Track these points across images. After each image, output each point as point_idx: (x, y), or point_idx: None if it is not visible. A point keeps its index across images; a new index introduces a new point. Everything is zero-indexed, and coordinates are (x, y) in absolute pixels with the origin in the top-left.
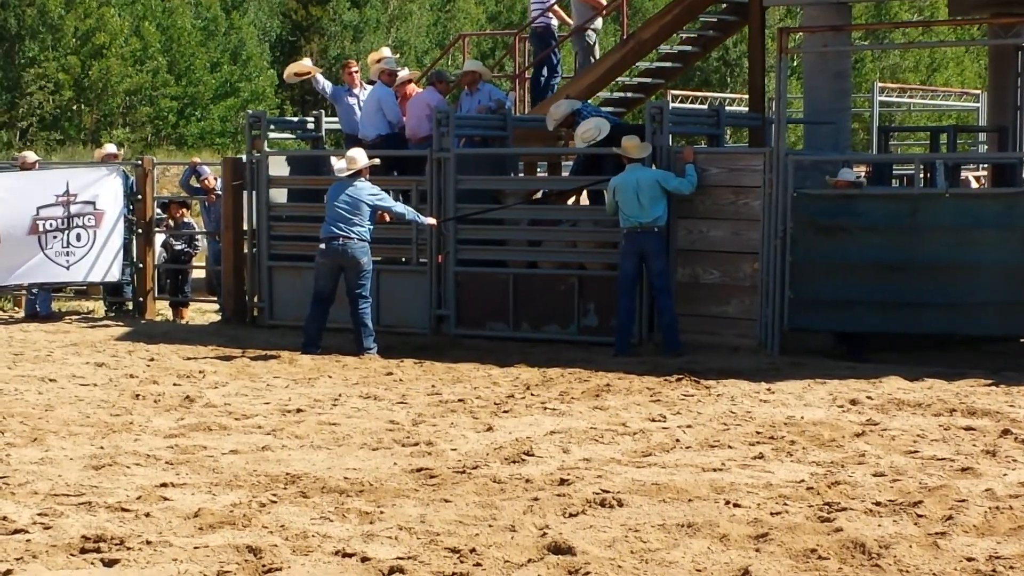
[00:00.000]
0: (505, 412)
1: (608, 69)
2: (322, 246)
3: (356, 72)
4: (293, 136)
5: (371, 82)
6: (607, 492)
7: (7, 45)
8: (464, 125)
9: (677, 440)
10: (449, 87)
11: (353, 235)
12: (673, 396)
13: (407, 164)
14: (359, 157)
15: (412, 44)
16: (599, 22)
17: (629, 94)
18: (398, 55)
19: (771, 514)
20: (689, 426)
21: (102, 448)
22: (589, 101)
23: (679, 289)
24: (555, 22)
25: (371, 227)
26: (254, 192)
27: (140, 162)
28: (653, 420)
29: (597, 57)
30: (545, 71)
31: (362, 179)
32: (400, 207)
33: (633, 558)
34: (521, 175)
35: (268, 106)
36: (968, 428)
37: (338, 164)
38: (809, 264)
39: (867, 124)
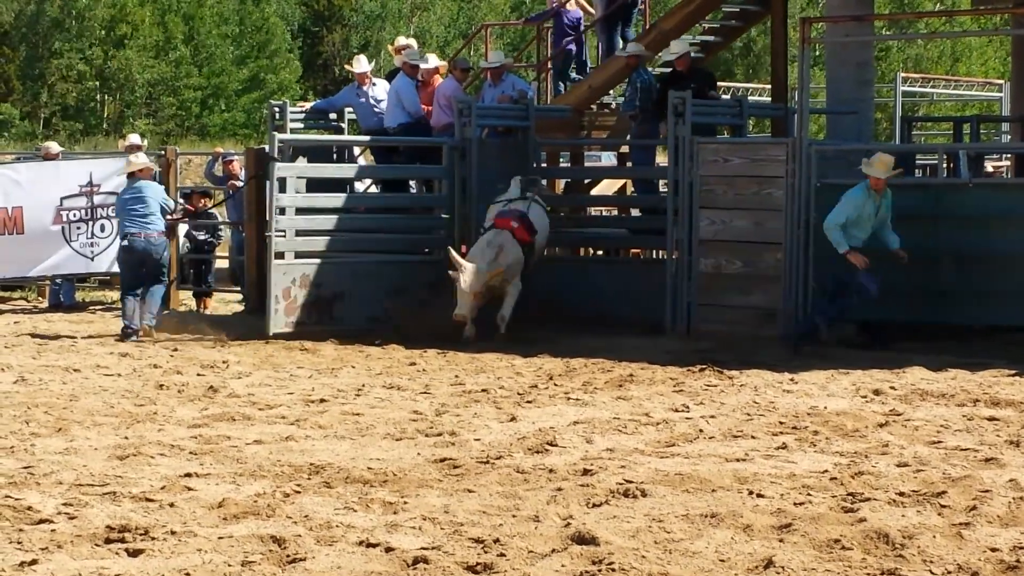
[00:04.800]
0: (528, 402)
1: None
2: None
3: (366, 73)
4: (311, 126)
5: (394, 72)
6: (630, 482)
7: (34, 37)
8: (486, 115)
9: (700, 430)
10: (467, 74)
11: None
12: (696, 386)
13: (429, 153)
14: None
15: (434, 34)
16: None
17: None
18: (416, 44)
19: (795, 504)
20: (712, 416)
21: (126, 438)
22: (611, 92)
23: (701, 279)
24: (580, 13)
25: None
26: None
27: (163, 152)
28: (676, 410)
29: (620, 47)
30: (574, 63)
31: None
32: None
33: (657, 548)
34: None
35: (292, 96)
36: (992, 418)
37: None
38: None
39: (890, 114)
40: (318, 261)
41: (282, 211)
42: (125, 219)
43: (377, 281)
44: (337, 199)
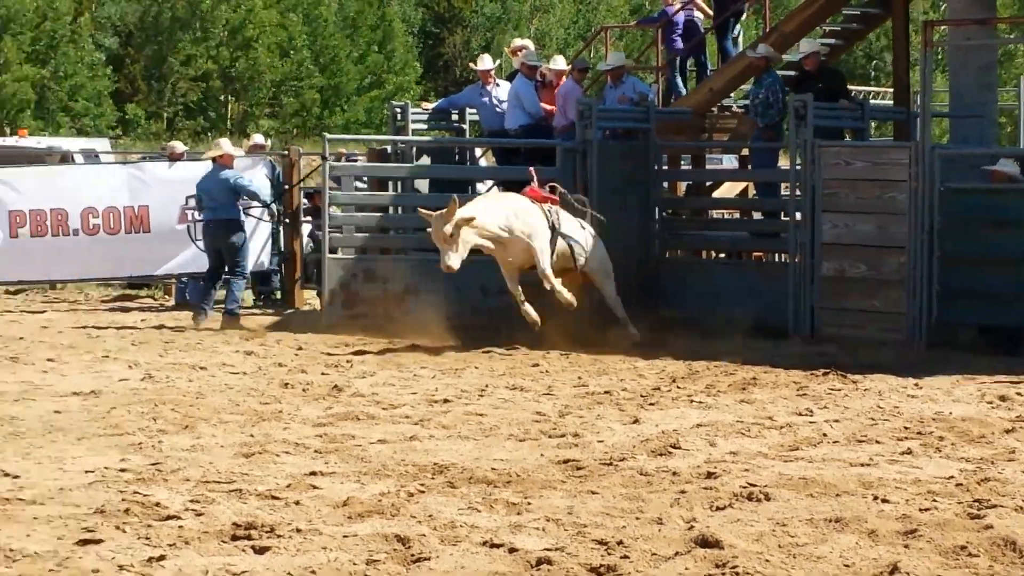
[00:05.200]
0: (651, 404)
1: (751, 62)
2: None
3: (489, 71)
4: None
5: (513, 74)
6: (754, 486)
7: (158, 37)
8: (607, 117)
9: (824, 434)
10: (584, 75)
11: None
12: (820, 390)
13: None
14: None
15: (553, 36)
16: (743, 15)
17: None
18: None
19: (920, 510)
20: (836, 420)
21: (252, 436)
22: (732, 95)
23: (824, 283)
24: (699, 16)
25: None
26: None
27: (286, 152)
28: (800, 414)
29: (740, 50)
30: (693, 65)
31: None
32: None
33: (780, 552)
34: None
35: (412, 97)
36: None
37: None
38: (957, 258)
39: (1015, 118)
40: (380, 257)
41: (335, 208)
42: (204, 204)
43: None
44: (388, 197)
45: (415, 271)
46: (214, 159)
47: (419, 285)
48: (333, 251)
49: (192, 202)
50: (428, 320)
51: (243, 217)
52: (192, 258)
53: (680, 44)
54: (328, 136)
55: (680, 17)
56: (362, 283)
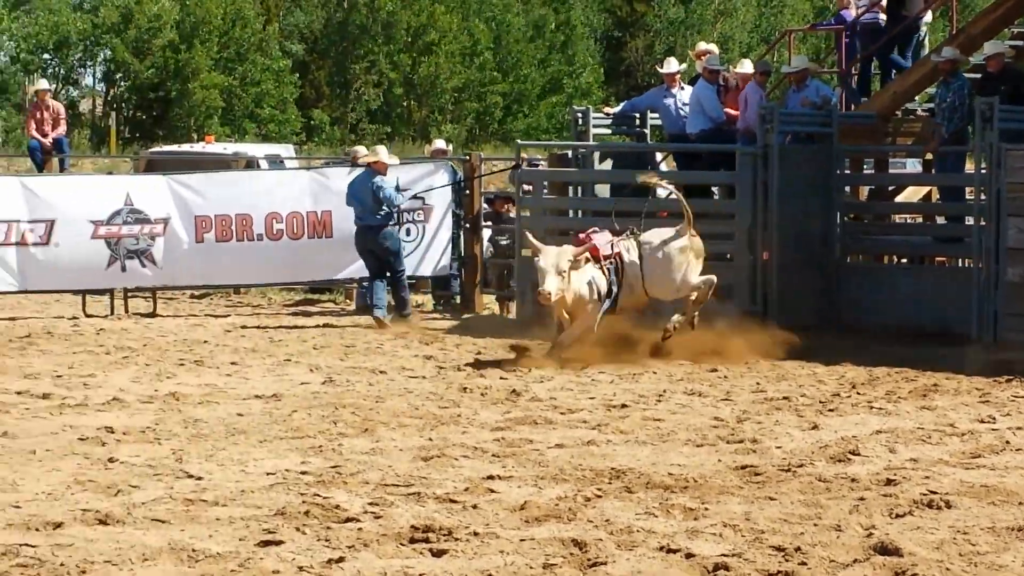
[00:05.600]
0: (831, 411)
1: (937, 66)
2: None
3: (677, 74)
4: (615, 131)
5: (695, 79)
6: (935, 493)
7: (342, 44)
8: (789, 121)
9: (1007, 442)
10: (766, 78)
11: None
12: (1003, 397)
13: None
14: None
15: (736, 40)
16: (928, 17)
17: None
18: (716, 49)
19: None
20: (1020, 428)
21: (431, 440)
22: (916, 98)
23: (1009, 288)
24: (883, 18)
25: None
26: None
27: (468, 157)
28: (982, 421)
29: (926, 53)
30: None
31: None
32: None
33: (962, 561)
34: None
35: (593, 101)
36: None
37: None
38: None
39: None
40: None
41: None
42: (354, 208)
43: None
44: (577, 202)
45: None
46: (368, 164)
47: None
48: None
49: None
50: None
51: (392, 221)
52: None
53: (856, 47)
54: (520, 142)
55: (859, 17)
56: None
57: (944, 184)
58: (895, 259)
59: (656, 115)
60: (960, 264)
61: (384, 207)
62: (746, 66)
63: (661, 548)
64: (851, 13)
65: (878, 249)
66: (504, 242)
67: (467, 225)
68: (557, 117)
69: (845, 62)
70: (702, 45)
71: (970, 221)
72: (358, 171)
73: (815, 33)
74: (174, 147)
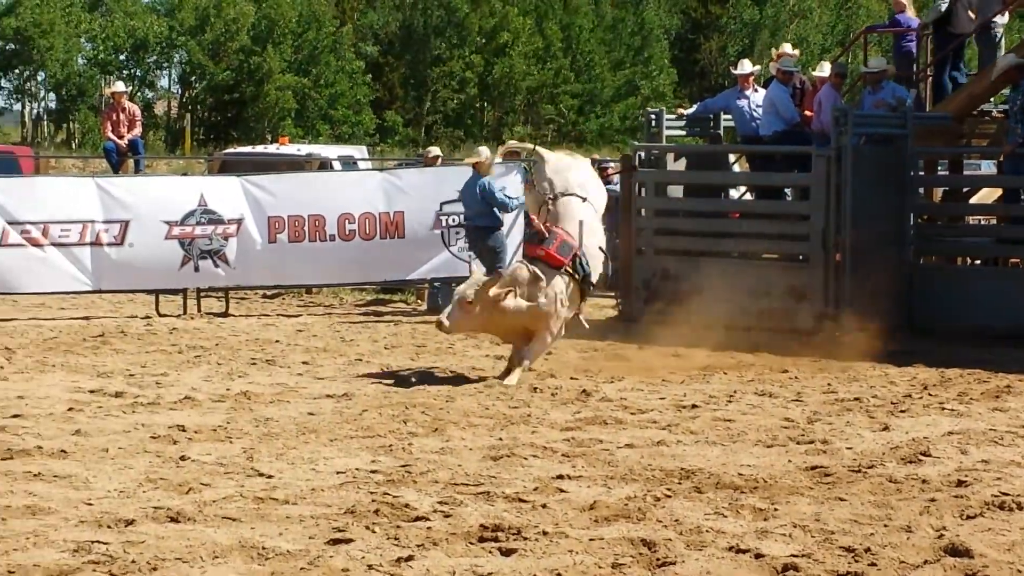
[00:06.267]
0: (902, 412)
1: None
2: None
3: (751, 75)
4: (688, 133)
5: (770, 80)
6: (1006, 495)
7: (416, 45)
8: (863, 123)
9: None
10: (842, 80)
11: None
12: None
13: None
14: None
15: (812, 41)
16: (1005, 17)
17: None
18: (798, 52)
19: None
20: None
21: (500, 439)
22: (992, 99)
23: None
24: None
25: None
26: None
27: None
28: None
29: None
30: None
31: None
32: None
33: None
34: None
35: (667, 103)
36: None
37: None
38: None
39: None
40: (678, 258)
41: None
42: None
43: (736, 281)
44: (692, 202)
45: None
46: (473, 165)
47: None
48: (639, 253)
49: (445, 208)
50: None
51: (498, 222)
52: (445, 263)
53: (913, 49)
54: (635, 144)
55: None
56: (660, 281)
57: (1016, 186)
58: (969, 261)
59: (729, 117)
60: None
61: (492, 207)
62: (824, 69)
63: (730, 548)
64: (907, 16)
65: (952, 251)
66: None
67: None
68: (631, 119)
69: (909, 66)
70: (786, 47)
71: None
72: (427, 170)
73: (890, 35)
74: (248, 148)
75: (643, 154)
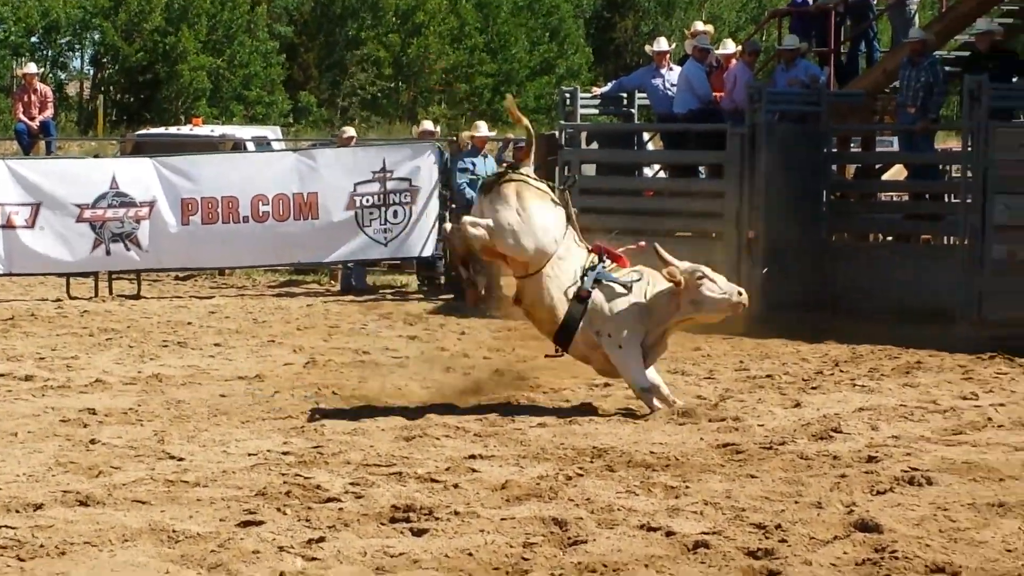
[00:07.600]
0: (813, 388)
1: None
2: None
3: (666, 54)
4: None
5: (684, 59)
6: (916, 470)
7: (330, 25)
8: (777, 100)
9: (989, 419)
10: (755, 58)
11: None
12: (986, 374)
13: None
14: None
15: (725, 19)
16: None
17: (947, 68)
18: (711, 28)
19: None
20: (1002, 404)
21: (413, 420)
22: None
23: (994, 266)
24: None
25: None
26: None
27: (455, 138)
28: (964, 398)
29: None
30: (863, 46)
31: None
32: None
33: (941, 537)
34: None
35: (582, 82)
36: None
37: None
38: None
39: None
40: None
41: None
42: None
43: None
44: (620, 181)
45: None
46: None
47: None
48: None
49: (359, 188)
50: None
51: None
52: (361, 246)
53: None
54: (562, 123)
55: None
56: None
57: (930, 162)
58: (880, 237)
59: (644, 95)
60: (945, 242)
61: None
62: (728, 46)
63: (642, 526)
64: None
65: (864, 228)
66: None
67: (453, 207)
68: (546, 98)
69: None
70: (699, 25)
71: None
72: (342, 151)
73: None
74: (161, 130)
75: (568, 133)
